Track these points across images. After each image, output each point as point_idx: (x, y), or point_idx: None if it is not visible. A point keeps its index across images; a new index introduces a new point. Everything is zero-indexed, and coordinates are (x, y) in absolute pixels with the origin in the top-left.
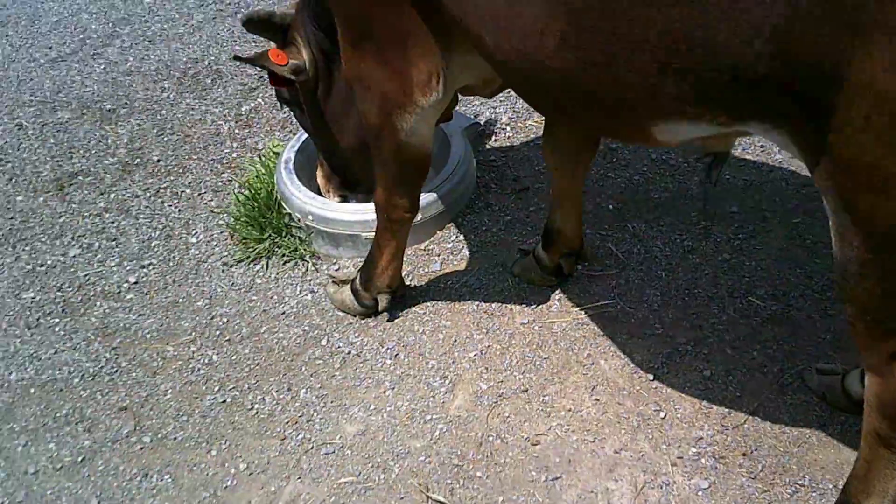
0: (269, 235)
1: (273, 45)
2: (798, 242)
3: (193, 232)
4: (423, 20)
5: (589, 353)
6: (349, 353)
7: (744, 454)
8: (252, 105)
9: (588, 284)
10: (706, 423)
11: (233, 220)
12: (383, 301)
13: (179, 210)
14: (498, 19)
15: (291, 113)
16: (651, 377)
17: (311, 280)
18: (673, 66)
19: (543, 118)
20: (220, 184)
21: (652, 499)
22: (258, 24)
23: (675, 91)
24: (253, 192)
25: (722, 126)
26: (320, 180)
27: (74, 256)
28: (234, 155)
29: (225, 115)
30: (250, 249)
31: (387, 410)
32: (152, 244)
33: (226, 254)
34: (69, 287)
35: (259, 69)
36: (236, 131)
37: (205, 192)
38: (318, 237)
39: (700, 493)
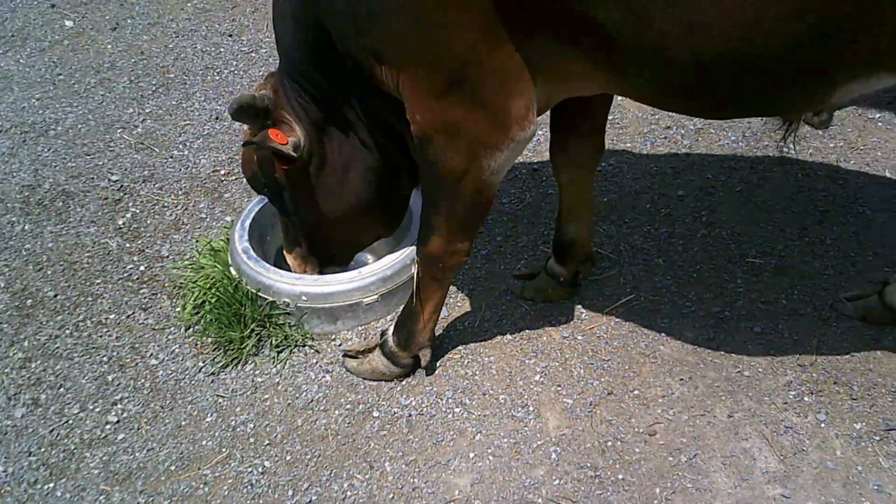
0: (253, 330)
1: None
2: (753, 205)
3: (149, 354)
4: (518, 52)
5: (646, 344)
6: (410, 415)
7: (835, 383)
8: (128, 215)
9: (601, 288)
10: (786, 368)
11: (201, 328)
12: (426, 356)
13: (116, 337)
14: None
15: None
16: (714, 347)
17: (318, 363)
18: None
19: (552, 133)
20: (145, 300)
21: (787, 443)
22: (247, 110)
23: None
24: (220, 290)
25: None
26: (293, 261)
27: (24, 417)
28: (143, 268)
29: (103, 233)
30: (233, 351)
31: (489, 453)
32: (109, 378)
33: (203, 364)
34: (40, 449)
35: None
36: (127, 245)
37: (133, 313)
38: (312, 317)
39: (823, 425)
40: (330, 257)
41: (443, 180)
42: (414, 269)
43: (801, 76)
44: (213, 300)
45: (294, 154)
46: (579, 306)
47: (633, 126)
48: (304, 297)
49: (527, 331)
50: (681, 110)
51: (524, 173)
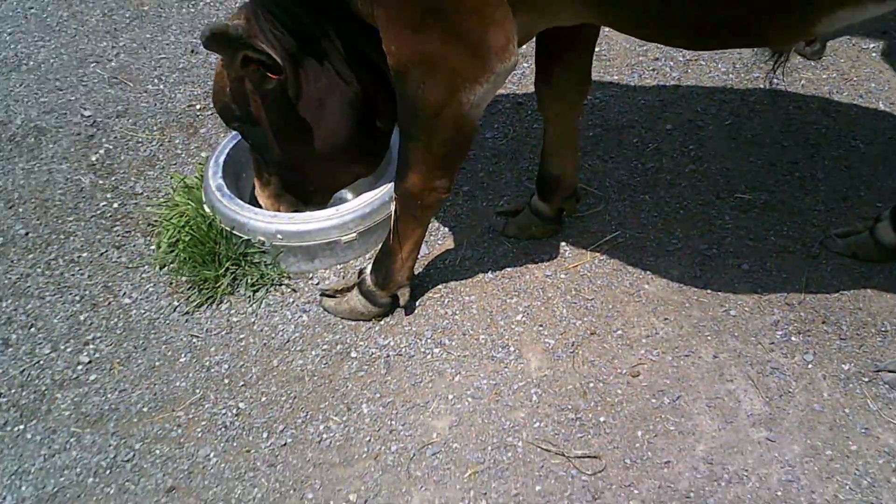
0: (228, 269)
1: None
2: (742, 139)
3: (122, 293)
4: None
5: (630, 283)
6: (388, 356)
7: (823, 322)
8: (101, 151)
9: (585, 225)
10: (773, 307)
11: (175, 266)
12: (405, 295)
13: (88, 276)
14: None
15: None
16: (701, 285)
17: (295, 302)
18: None
19: (537, 66)
20: (118, 238)
21: (773, 385)
22: (219, 38)
23: None
24: (194, 228)
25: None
26: (266, 200)
27: None
28: (116, 205)
29: (76, 170)
30: (208, 290)
31: (468, 395)
32: (81, 318)
33: (178, 303)
34: (10, 390)
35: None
36: (100, 182)
37: (106, 251)
38: (288, 255)
39: (811, 366)
40: (306, 197)
41: (420, 115)
42: (392, 207)
43: (782, 1)
44: (187, 238)
45: (279, 60)
46: (563, 244)
47: (621, 58)
48: (279, 236)
49: (509, 269)
50: (662, 40)
51: (508, 107)
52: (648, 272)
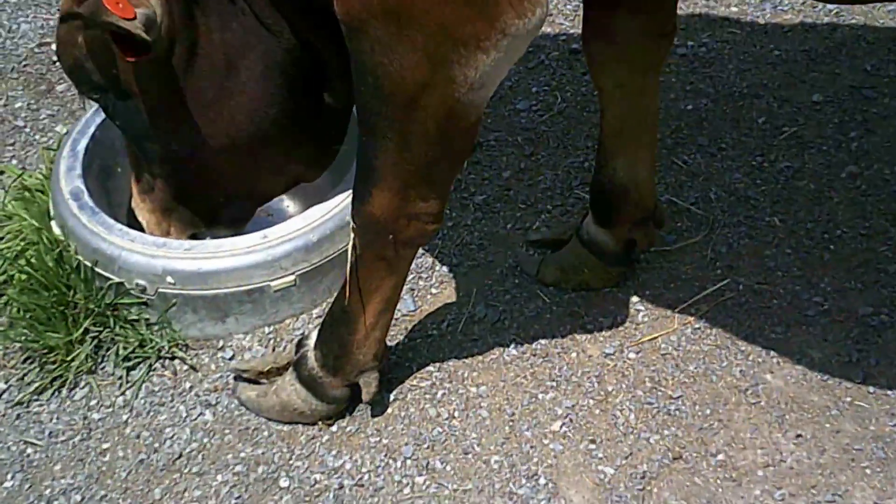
0: (87, 331)
1: None
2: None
3: None
4: None
5: (742, 370)
6: (341, 486)
7: None
8: None
9: (672, 267)
10: None
11: (4, 323)
12: (371, 385)
13: None
14: None
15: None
16: (859, 378)
17: (194, 389)
18: None
19: (586, 9)
20: None
21: None
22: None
23: None
24: (35, 262)
25: None
26: (147, 217)
27: None
28: None
29: None
30: (54, 366)
31: None
32: None
33: (5, 387)
34: None
35: None
36: None
37: None
38: (184, 311)
39: None
40: (212, 213)
41: (389, 99)
42: (350, 242)
43: None
44: (23, 278)
45: (146, 37)
46: (634, 300)
47: None
48: (169, 279)
49: (543, 342)
50: None
51: (554, 57)
52: (773, 352)
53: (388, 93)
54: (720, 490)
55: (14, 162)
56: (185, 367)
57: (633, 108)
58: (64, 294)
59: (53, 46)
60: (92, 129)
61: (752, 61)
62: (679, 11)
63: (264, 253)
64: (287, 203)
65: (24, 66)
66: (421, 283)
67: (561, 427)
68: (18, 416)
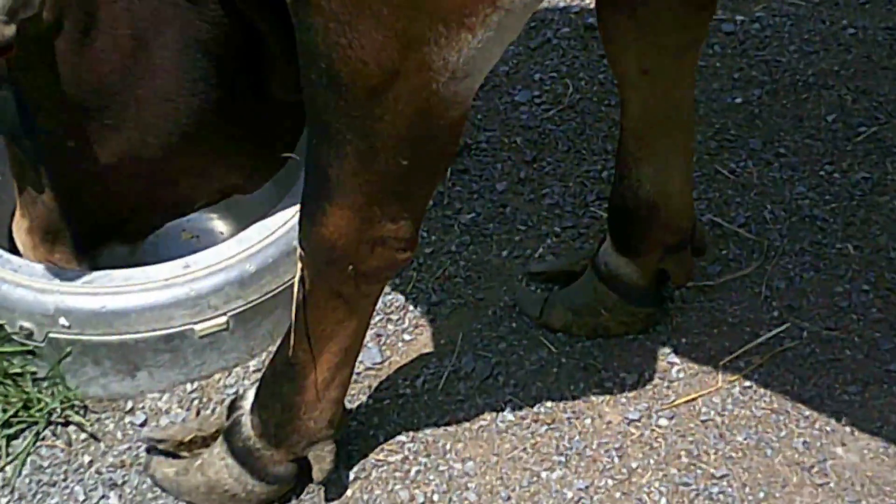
0: None
1: None
2: None
3: None
4: None
5: (806, 442)
6: None
7: None
8: None
9: (714, 308)
10: None
11: None
12: (324, 459)
13: None
14: None
15: None
16: None
17: (95, 465)
18: None
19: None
20: None
21: None
22: None
23: None
24: None
25: None
26: (25, 238)
27: None
28: None
29: None
30: None
31: None
32: None
33: None
34: None
35: None
36: None
37: None
38: (83, 361)
39: None
40: (110, 228)
41: (348, 90)
42: (296, 274)
43: None
44: None
45: (3, 17)
46: (666, 350)
47: None
48: (63, 320)
49: (549, 404)
50: None
51: (562, 37)
52: (845, 419)
53: (345, 82)
54: None
55: None
56: (84, 436)
57: (664, 100)
58: None
59: None
60: None
61: (819, 41)
62: None
63: (187, 287)
64: (217, 222)
65: None
66: (390, 327)
67: None
68: None
